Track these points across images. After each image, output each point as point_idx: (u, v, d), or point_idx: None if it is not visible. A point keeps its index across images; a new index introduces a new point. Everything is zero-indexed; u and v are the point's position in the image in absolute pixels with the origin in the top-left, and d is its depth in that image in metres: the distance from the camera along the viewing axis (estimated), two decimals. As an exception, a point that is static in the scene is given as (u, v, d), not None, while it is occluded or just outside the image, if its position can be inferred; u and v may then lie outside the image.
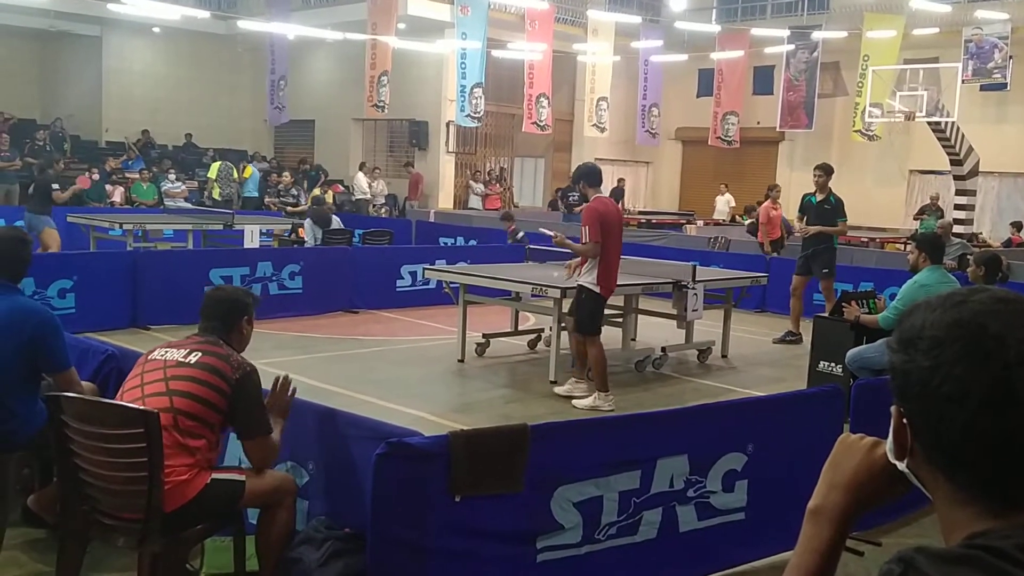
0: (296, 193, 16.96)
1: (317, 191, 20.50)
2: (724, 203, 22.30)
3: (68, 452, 3.31)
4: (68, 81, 23.09)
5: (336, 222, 13.35)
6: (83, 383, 4.20)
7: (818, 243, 9.80)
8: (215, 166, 19.49)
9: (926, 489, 1.12)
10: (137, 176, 19.27)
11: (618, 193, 22.88)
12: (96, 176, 18.28)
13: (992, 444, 1.01)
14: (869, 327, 6.74)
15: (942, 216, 17.73)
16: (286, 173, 18.21)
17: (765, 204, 13.65)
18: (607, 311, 8.98)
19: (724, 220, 21.39)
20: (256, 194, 19.54)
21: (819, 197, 9.86)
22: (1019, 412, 0.99)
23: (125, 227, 12.79)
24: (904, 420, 1.10)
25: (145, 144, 22.09)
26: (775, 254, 12.90)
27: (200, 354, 3.42)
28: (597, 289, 6.92)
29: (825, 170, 9.93)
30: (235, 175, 19.45)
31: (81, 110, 22.45)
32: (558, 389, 7.45)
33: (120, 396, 3.45)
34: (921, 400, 1.05)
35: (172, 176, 19.36)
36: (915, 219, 18.93)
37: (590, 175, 7.01)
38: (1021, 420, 0.99)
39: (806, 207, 10.09)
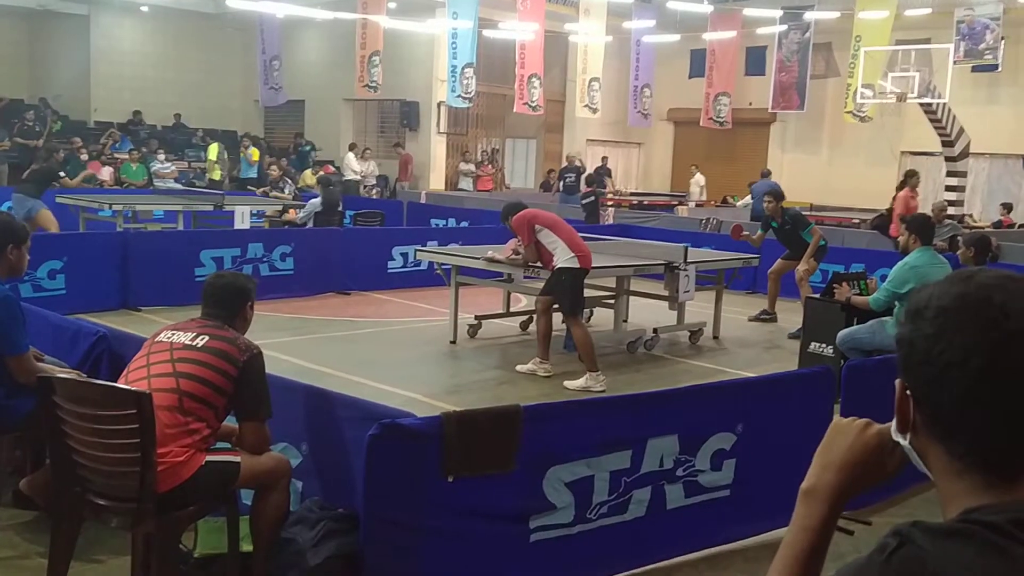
0: (283, 187, 16.75)
1: (309, 172, 20.45)
2: (695, 183, 22.34)
3: (60, 434, 3.30)
4: (56, 61, 22.88)
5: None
6: (69, 369, 4.18)
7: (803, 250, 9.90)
8: (214, 147, 19.34)
9: (925, 463, 1.13)
10: (126, 157, 19.16)
11: (603, 172, 22.85)
12: (85, 157, 18.16)
13: (989, 412, 1.03)
14: (860, 308, 6.76)
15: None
16: (274, 167, 17.91)
17: (902, 193, 12.37)
18: (599, 293, 9.04)
19: (701, 202, 21.44)
20: (255, 175, 19.47)
21: (778, 221, 10.01)
22: (1016, 381, 1.02)
23: (115, 208, 12.73)
24: (907, 392, 1.11)
25: (132, 124, 21.94)
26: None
27: (207, 337, 3.44)
28: (576, 264, 7.14)
29: (776, 196, 10.13)
30: (226, 156, 19.36)
31: (69, 90, 22.27)
32: (520, 367, 7.53)
33: (125, 377, 3.45)
34: (924, 368, 1.07)
35: (161, 157, 19.25)
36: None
37: (514, 207, 7.70)
38: (1017, 389, 1.02)
39: (769, 229, 10.21)
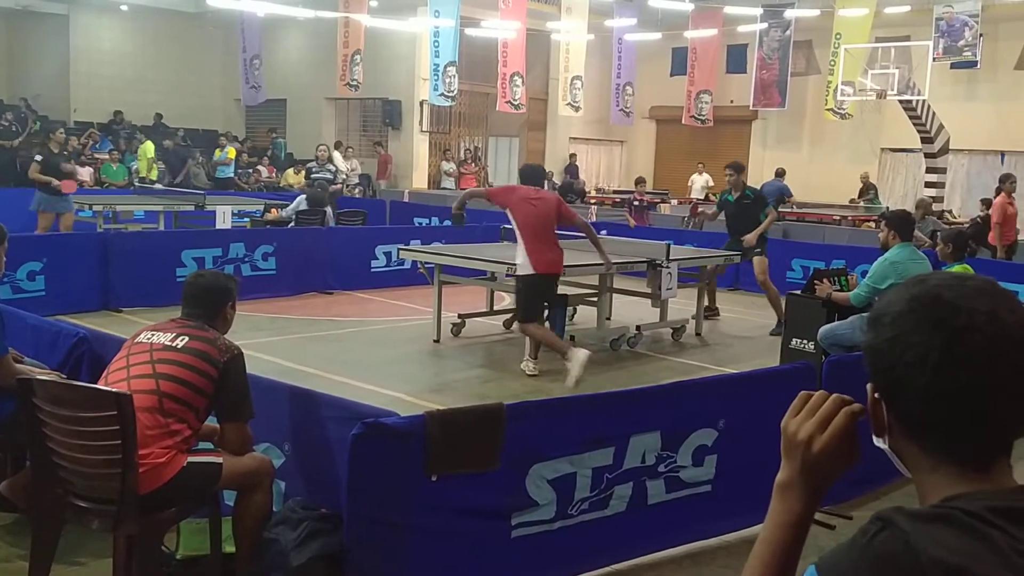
0: (334, 168, 15.63)
1: (291, 171, 20.39)
2: (703, 182, 22.33)
3: (41, 436, 3.28)
4: (35, 60, 22.72)
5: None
6: (49, 371, 4.15)
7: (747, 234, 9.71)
8: (148, 145, 18.66)
9: (901, 460, 1.18)
10: (107, 157, 19.03)
11: (573, 171, 22.88)
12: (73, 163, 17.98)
13: (952, 407, 1.08)
14: (841, 304, 6.80)
15: (875, 196, 18.07)
16: (322, 147, 16.77)
17: (999, 199, 11.55)
18: (582, 290, 9.05)
19: (699, 199, 21.45)
20: (232, 175, 19.39)
21: (735, 195, 9.81)
22: (972, 372, 1.06)
23: (95, 208, 12.65)
24: (877, 396, 1.16)
25: (112, 124, 21.81)
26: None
27: (187, 338, 3.41)
28: (531, 271, 7.03)
29: (736, 168, 9.94)
30: (201, 156, 19.16)
31: (49, 90, 22.10)
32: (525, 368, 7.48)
33: (105, 379, 3.43)
34: (888, 371, 1.12)
35: (142, 156, 19.14)
36: (859, 199, 19.34)
37: (535, 173, 7.94)
38: (974, 380, 1.07)
39: (724, 204, 10.03)
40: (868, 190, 19.51)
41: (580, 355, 6.80)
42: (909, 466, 1.16)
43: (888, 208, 14.52)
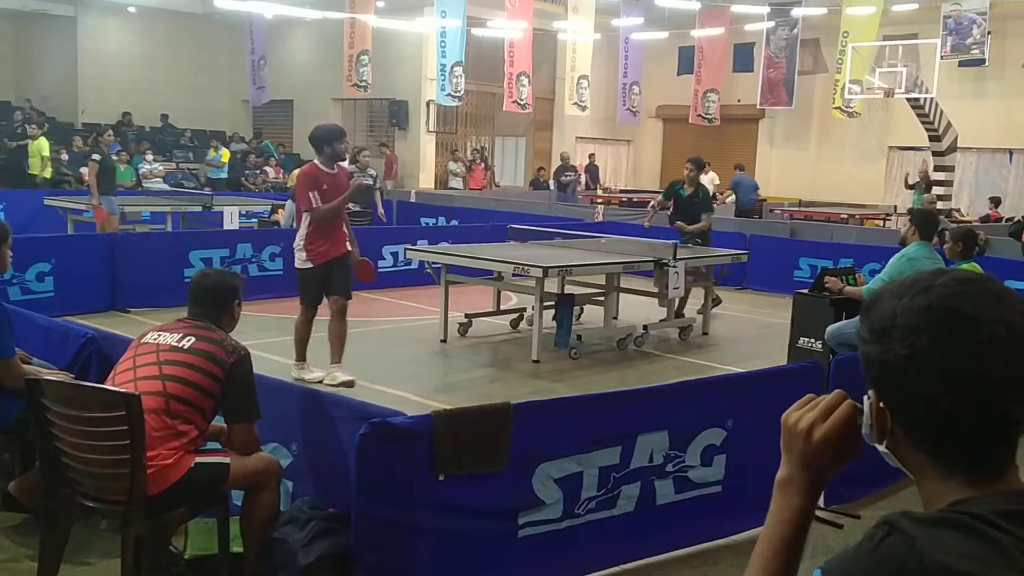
0: (374, 173, 15.04)
1: (296, 172, 20.39)
2: (708, 181, 22.27)
3: (49, 436, 3.29)
4: (43, 62, 22.80)
5: None
6: (58, 371, 4.16)
7: (693, 236, 9.90)
8: (43, 142, 17.34)
9: (905, 466, 1.16)
10: (115, 158, 19.04)
11: (593, 170, 22.78)
12: (65, 157, 18.03)
13: (969, 418, 1.05)
14: (854, 299, 6.80)
15: (929, 190, 17.80)
16: (366, 152, 15.94)
17: None
18: (589, 290, 9.05)
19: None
20: (224, 176, 19.38)
21: (688, 190, 9.89)
22: (995, 387, 1.04)
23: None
24: (881, 404, 1.13)
25: (120, 125, 21.87)
26: None
27: (194, 339, 3.41)
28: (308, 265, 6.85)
29: (697, 164, 10.00)
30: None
31: (57, 91, 22.18)
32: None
33: (112, 379, 3.43)
34: (902, 386, 1.08)
35: (149, 157, 19.19)
36: (907, 188, 18.74)
37: (330, 135, 6.98)
38: (1000, 394, 1.04)
39: (673, 195, 10.08)
40: (924, 184, 18.61)
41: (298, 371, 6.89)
42: (914, 470, 1.14)
43: (896, 207, 14.47)
